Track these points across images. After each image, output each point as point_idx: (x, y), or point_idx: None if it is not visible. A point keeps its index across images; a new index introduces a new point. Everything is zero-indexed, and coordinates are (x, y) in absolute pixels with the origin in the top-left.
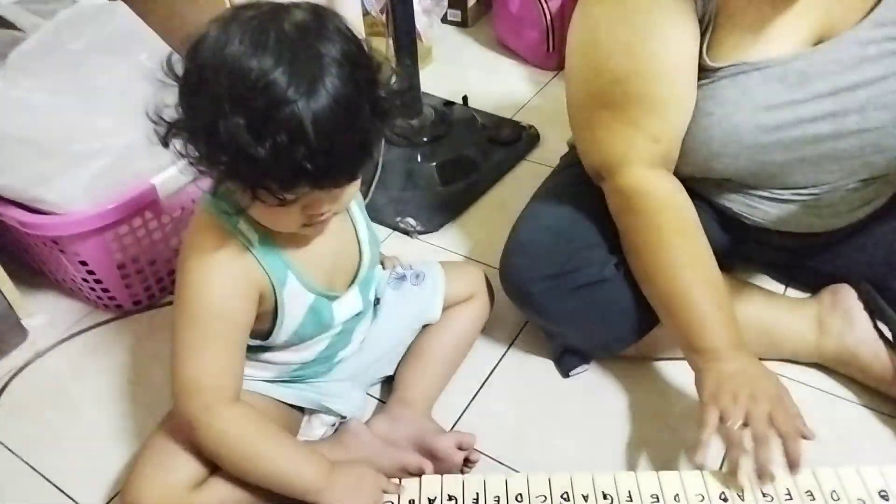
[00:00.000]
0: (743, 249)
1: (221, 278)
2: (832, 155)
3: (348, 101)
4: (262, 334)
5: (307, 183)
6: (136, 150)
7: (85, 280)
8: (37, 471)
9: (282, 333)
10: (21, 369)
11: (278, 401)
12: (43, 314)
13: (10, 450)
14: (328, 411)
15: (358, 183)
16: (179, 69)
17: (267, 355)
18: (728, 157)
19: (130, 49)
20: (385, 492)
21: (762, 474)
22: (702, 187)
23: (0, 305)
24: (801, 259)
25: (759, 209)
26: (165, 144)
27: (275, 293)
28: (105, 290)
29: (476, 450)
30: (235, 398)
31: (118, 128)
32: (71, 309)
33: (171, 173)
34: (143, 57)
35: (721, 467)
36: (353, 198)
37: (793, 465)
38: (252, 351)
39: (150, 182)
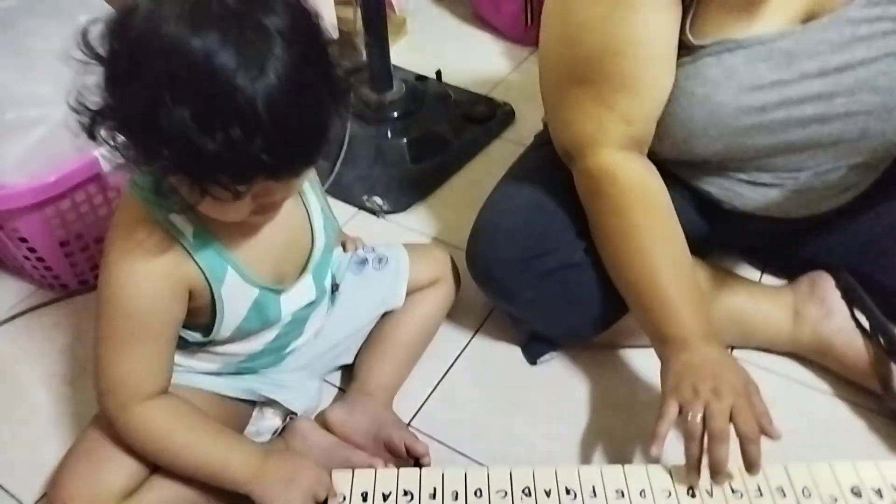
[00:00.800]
0: (720, 235)
1: (143, 276)
2: (817, 139)
3: (302, 82)
4: (201, 329)
5: (263, 174)
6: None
7: (27, 258)
8: None
9: (223, 329)
10: None
11: (223, 395)
12: None
13: None
14: (277, 406)
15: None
16: (102, 46)
17: (210, 347)
18: (708, 139)
19: (68, 9)
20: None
21: (715, 473)
22: (679, 170)
23: None
24: (779, 244)
25: (739, 194)
26: (92, 136)
27: (211, 290)
28: (48, 269)
29: (438, 440)
30: (157, 393)
31: (57, 95)
32: (14, 288)
33: None
34: (83, 18)
35: None
36: (298, 187)
37: (749, 467)
38: (194, 344)
39: (92, 154)
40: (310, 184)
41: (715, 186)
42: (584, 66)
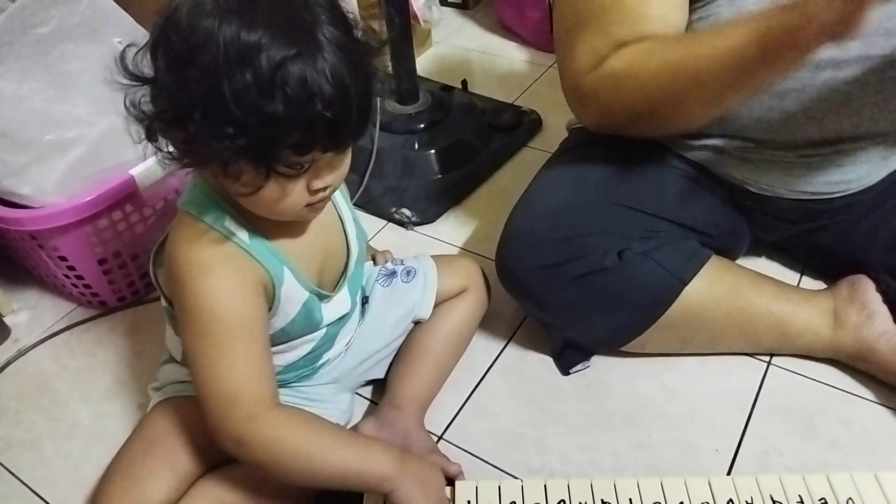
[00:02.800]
0: (759, 231)
1: (225, 282)
2: (832, 87)
3: (349, 49)
4: None
5: (323, 140)
6: (112, 140)
7: (66, 276)
8: (12, 473)
9: (272, 332)
10: (3, 368)
11: None
12: (26, 311)
13: None
14: None
15: (349, 157)
16: (139, 62)
17: None
18: None
19: (103, 32)
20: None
21: None
22: (706, 157)
23: None
24: (814, 237)
25: (764, 174)
26: (153, 138)
27: (274, 289)
28: (87, 287)
29: (471, 453)
30: (277, 402)
31: (93, 116)
32: (54, 306)
33: (151, 163)
34: (117, 40)
35: (729, 471)
36: (345, 174)
37: None
38: None
39: (128, 173)
40: (341, 194)
41: (739, 170)
42: (589, 4)
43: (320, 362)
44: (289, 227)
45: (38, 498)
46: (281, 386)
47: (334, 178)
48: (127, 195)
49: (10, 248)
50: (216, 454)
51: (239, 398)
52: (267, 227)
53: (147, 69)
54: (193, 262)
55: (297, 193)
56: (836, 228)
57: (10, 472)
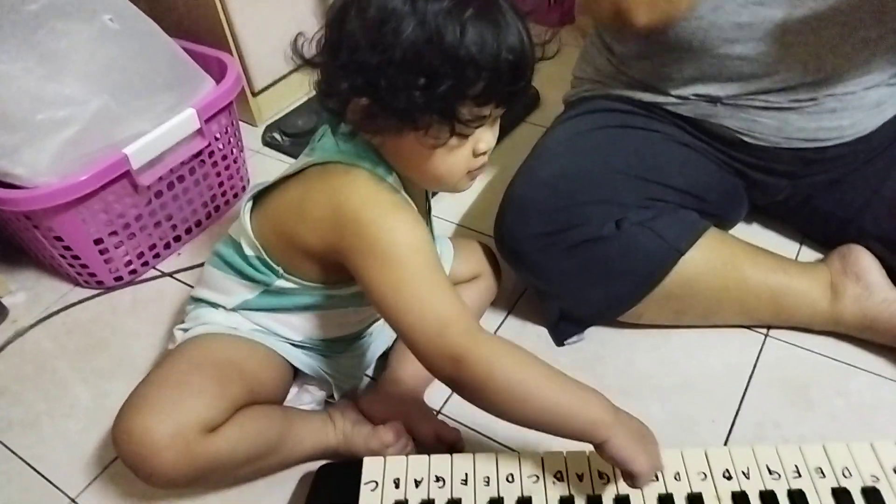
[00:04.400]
0: (756, 193)
1: (409, 217)
2: (809, 25)
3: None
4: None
5: (504, 89)
6: (105, 119)
7: (62, 256)
8: (15, 454)
9: None
10: (1, 349)
11: (283, 359)
12: (23, 292)
13: None
14: (315, 387)
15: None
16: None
17: (300, 316)
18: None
19: (92, 10)
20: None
21: None
22: (700, 110)
23: None
24: (811, 201)
25: (758, 122)
26: (342, 100)
27: None
28: (84, 267)
29: (469, 427)
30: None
31: (85, 95)
32: (52, 286)
33: (145, 142)
34: (107, 17)
35: (726, 442)
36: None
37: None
38: (300, 303)
39: (122, 152)
40: None
41: (734, 119)
42: None
43: (365, 335)
44: (414, 192)
45: (39, 476)
46: (316, 352)
47: (494, 140)
48: (121, 174)
49: (6, 229)
50: (260, 391)
51: (451, 320)
52: (408, 188)
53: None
54: (377, 205)
55: (463, 157)
56: (830, 189)
57: (11, 450)
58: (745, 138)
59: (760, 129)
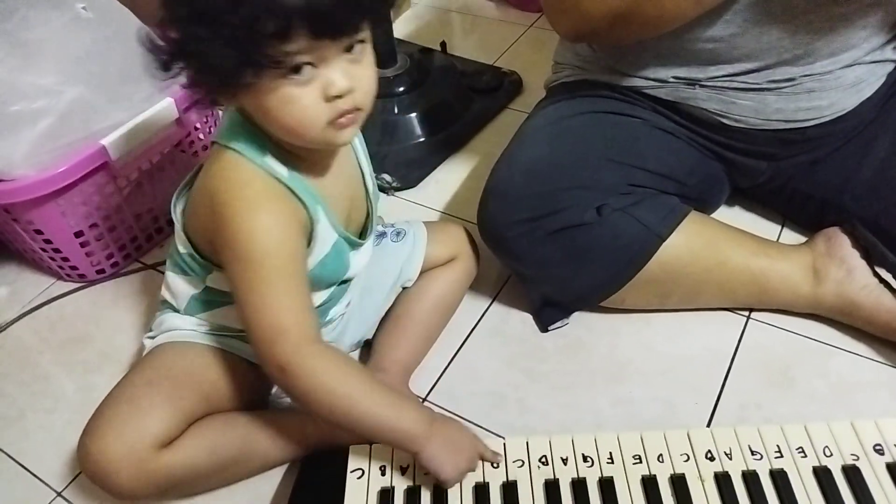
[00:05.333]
0: (737, 176)
1: (271, 217)
2: (783, 4)
3: None
4: None
5: (300, 24)
6: (81, 109)
7: (43, 250)
8: (0, 448)
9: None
10: None
11: (245, 361)
12: (5, 286)
13: None
14: None
15: (373, 67)
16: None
17: None
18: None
19: None
20: (482, 458)
21: None
22: (678, 94)
23: None
24: (792, 183)
25: (737, 104)
26: (167, 67)
27: (312, 227)
28: (65, 260)
29: (456, 414)
30: (320, 338)
31: (60, 86)
32: (34, 280)
33: (123, 132)
34: (80, 6)
35: (708, 424)
36: (372, 89)
37: None
38: None
39: (99, 143)
40: (362, 147)
41: (713, 101)
42: None
43: (326, 318)
44: (320, 167)
45: (24, 470)
46: None
47: (349, 83)
48: (99, 165)
49: None
50: (218, 400)
51: (286, 329)
52: (302, 163)
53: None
54: (239, 198)
55: (311, 104)
56: (810, 170)
57: None
58: (725, 120)
59: (739, 110)
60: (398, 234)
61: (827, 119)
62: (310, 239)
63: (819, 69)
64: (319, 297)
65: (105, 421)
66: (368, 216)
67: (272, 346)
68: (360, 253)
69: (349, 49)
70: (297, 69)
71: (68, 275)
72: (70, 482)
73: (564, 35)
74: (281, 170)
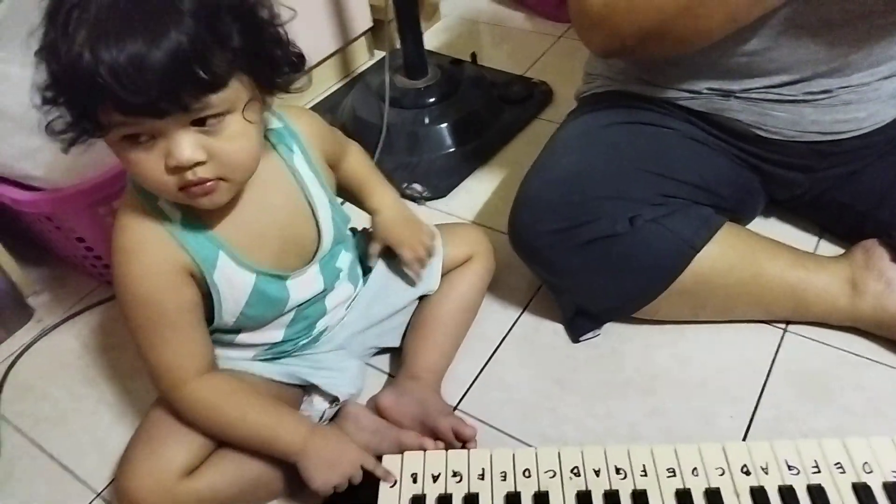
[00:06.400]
0: (773, 188)
1: (145, 266)
2: (825, 18)
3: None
4: (207, 318)
5: (105, 99)
6: None
7: (85, 257)
8: (43, 449)
9: (226, 316)
10: (27, 348)
11: (264, 380)
12: (48, 292)
13: (17, 428)
14: (317, 390)
15: (248, 134)
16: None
17: (232, 337)
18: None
19: None
20: (363, 467)
21: None
22: (712, 105)
23: (4, 284)
24: (829, 194)
25: (772, 116)
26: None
27: (204, 274)
28: (106, 267)
29: (486, 423)
30: (202, 372)
31: None
32: (76, 286)
33: None
34: None
35: (744, 438)
36: (241, 162)
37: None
38: (218, 333)
39: None
40: (317, 179)
41: (746, 113)
42: None
43: (317, 331)
44: (226, 208)
45: (66, 471)
46: (284, 356)
47: (193, 155)
48: None
49: (29, 230)
50: None
51: (161, 373)
52: (205, 210)
53: None
54: (119, 247)
55: (154, 167)
56: (848, 182)
57: (39, 446)
58: (760, 132)
59: (774, 122)
60: None
61: (864, 131)
62: (206, 286)
63: (856, 81)
64: (283, 320)
65: (133, 458)
66: (319, 244)
67: (157, 383)
68: (302, 282)
69: (200, 122)
70: (133, 136)
71: (108, 281)
72: (109, 483)
73: (595, 51)
74: (173, 213)
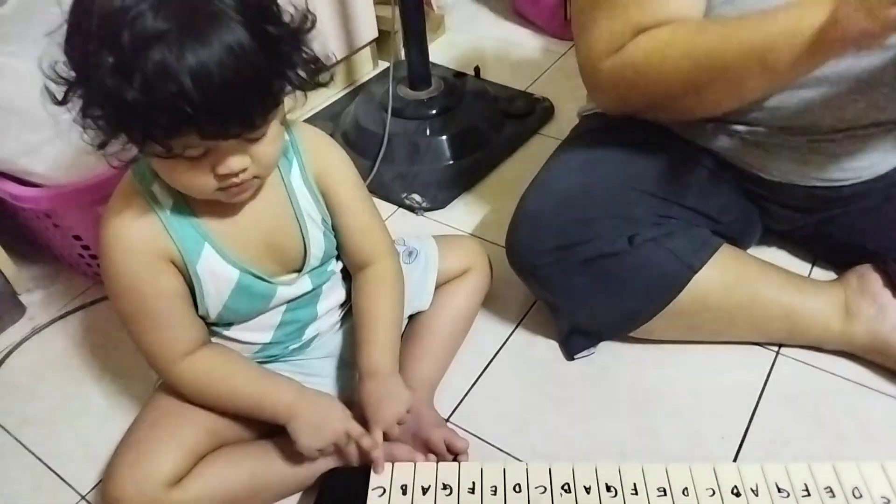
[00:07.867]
0: (770, 220)
1: (126, 250)
2: (850, 75)
3: (229, 36)
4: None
5: (190, 128)
6: None
7: (80, 255)
8: (28, 449)
9: (209, 308)
10: (18, 345)
11: None
12: (41, 290)
13: (2, 427)
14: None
15: (281, 134)
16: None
17: (223, 331)
18: None
19: None
20: (348, 434)
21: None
22: (717, 144)
23: None
24: (824, 228)
25: (775, 160)
26: (62, 102)
27: (186, 264)
28: None
29: (477, 436)
30: (192, 350)
31: None
32: (69, 284)
33: None
34: None
35: (735, 459)
36: (273, 160)
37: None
38: (211, 326)
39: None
40: (311, 198)
41: (750, 156)
42: None
43: (307, 336)
44: (220, 208)
45: (52, 473)
46: (272, 360)
47: (242, 163)
48: None
49: (25, 227)
50: (222, 432)
51: (152, 354)
52: (196, 201)
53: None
54: (105, 235)
55: (199, 178)
56: (846, 219)
57: (25, 447)
58: (761, 174)
59: (777, 166)
60: (410, 254)
61: (865, 178)
62: (188, 275)
63: (862, 132)
64: (273, 319)
65: (118, 467)
66: (306, 258)
67: (151, 364)
68: (293, 287)
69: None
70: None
71: (103, 280)
72: (95, 486)
73: (601, 109)
74: (166, 201)
